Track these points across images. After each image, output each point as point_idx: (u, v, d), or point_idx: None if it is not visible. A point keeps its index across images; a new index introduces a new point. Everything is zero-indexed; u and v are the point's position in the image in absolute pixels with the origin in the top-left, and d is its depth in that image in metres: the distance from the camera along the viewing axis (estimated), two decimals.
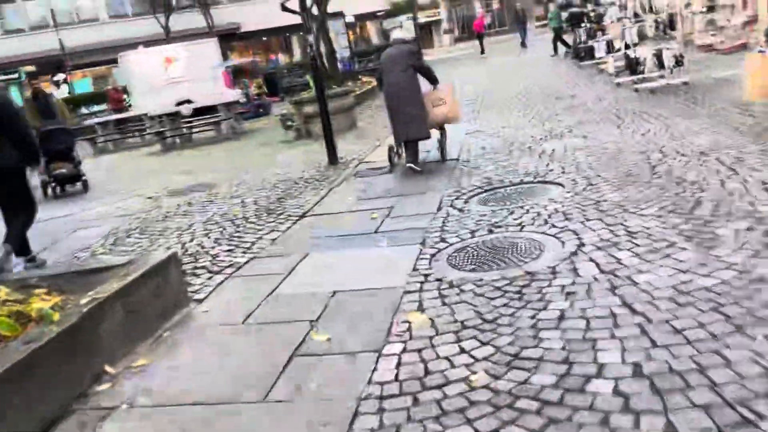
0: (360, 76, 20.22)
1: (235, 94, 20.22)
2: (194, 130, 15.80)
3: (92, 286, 3.51)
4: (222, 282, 4.43)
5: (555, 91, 12.59)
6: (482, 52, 27.83)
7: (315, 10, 18.82)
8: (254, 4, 39.39)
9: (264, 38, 41.16)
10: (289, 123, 14.06)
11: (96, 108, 29.03)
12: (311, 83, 15.34)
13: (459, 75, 19.85)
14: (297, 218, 6.05)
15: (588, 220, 4.48)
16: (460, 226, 4.97)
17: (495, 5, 51.98)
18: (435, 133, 7.77)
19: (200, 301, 4.07)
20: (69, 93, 33.74)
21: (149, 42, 29.91)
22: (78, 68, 35.65)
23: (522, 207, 5.20)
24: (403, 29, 9.18)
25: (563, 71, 16.34)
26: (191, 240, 5.73)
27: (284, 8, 16.46)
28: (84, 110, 28.83)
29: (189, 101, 24.10)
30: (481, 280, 3.74)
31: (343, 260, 4.60)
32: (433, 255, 4.38)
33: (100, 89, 32.61)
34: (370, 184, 7.14)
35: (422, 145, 7.70)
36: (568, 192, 5.38)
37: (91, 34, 34.80)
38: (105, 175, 11.61)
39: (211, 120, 15.44)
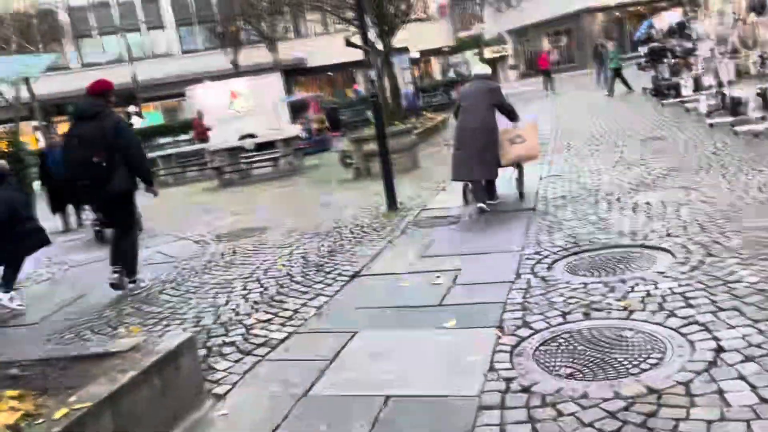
0: (424, 112, 19.54)
1: (296, 129, 19.90)
2: (253, 165, 15.39)
3: (84, 379, 2.77)
4: (251, 368, 3.61)
5: (638, 132, 11.46)
6: (547, 88, 26.74)
7: (380, 46, 18.37)
8: (320, 39, 39.79)
9: (329, 73, 41.40)
10: (349, 161, 13.42)
11: (162, 140, 29.29)
12: (371, 118, 14.71)
13: (528, 112, 18.88)
14: (348, 278, 5.22)
15: (721, 309, 3.44)
16: (546, 303, 4.01)
17: (563, 41, 50.83)
18: (505, 171, 7.46)
19: (220, 396, 3.26)
20: (138, 125, 34.61)
21: (218, 76, 30.40)
22: (150, 101, 36.62)
23: (624, 281, 4.19)
24: (482, 65, 8.33)
25: (643, 110, 15.12)
26: (226, 302, 4.98)
27: (348, 43, 16.03)
28: (160, 140, 28.98)
29: (252, 135, 24.14)
30: (584, 396, 2.77)
31: (400, 345, 3.71)
32: (514, 346, 3.43)
33: (173, 121, 33.19)
34: (434, 238, 6.26)
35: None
36: (682, 264, 4.33)
37: (164, 68, 35.78)
38: (158, 213, 11.19)
39: (270, 156, 14.98)
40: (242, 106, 23.95)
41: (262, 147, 17.04)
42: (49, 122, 36.86)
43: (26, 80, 31.15)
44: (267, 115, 22.63)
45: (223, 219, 9.35)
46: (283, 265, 5.84)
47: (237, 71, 33.91)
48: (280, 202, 10.43)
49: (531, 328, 3.66)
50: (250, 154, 16.08)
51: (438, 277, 4.88)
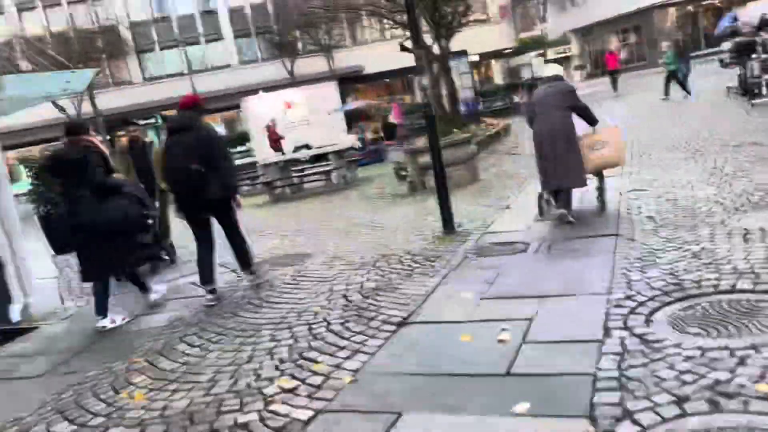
0: (484, 119, 18.50)
1: (351, 140, 19.23)
2: (304, 180, 14.76)
3: None
4: None
5: (728, 137, 10.09)
6: (616, 89, 25.13)
7: (436, 49, 17.46)
8: (376, 46, 39.21)
9: (386, 80, 40.77)
10: (403, 173, 12.57)
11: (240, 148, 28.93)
12: None
13: (598, 116, 17.57)
14: (393, 328, 4.33)
15: None
16: (651, 380, 3.01)
17: (632, 38, 48.43)
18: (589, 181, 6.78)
19: None
20: None
21: (275, 86, 30.22)
22: (209, 112, 36.93)
23: (756, 347, 3.14)
24: (554, 66, 7.45)
25: (728, 111, 13.60)
26: (249, 359, 4.18)
27: (403, 48, 15.21)
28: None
29: (308, 146, 23.65)
30: None
31: None
32: None
33: (232, 133, 33.16)
34: (498, 271, 5.30)
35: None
36: None
37: (223, 80, 36.04)
38: None
39: (322, 169, 14.29)
40: (297, 116, 23.53)
41: (317, 159, 16.45)
42: (114, 137, 37.81)
43: (90, 95, 32.06)
44: (322, 125, 22.10)
45: (266, 241, 8.64)
46: (321, 308, 5.01)
47: (293, 81, 33.73)
48: (328, 220, 9.65)
49: (636, 423, 2.68)
50: (302, 167, 15.48)
51: (504, 330, 3.93)
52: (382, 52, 38.05)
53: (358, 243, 7.35)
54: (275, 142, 20.20)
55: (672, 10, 42.97)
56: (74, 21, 32.70)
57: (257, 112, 23.48)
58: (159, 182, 6.90)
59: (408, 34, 17.38)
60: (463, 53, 19.76)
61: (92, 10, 33.34)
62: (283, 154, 18.33)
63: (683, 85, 18.28)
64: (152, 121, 38.09)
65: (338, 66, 36.52)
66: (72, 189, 5.43)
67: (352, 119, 23.89)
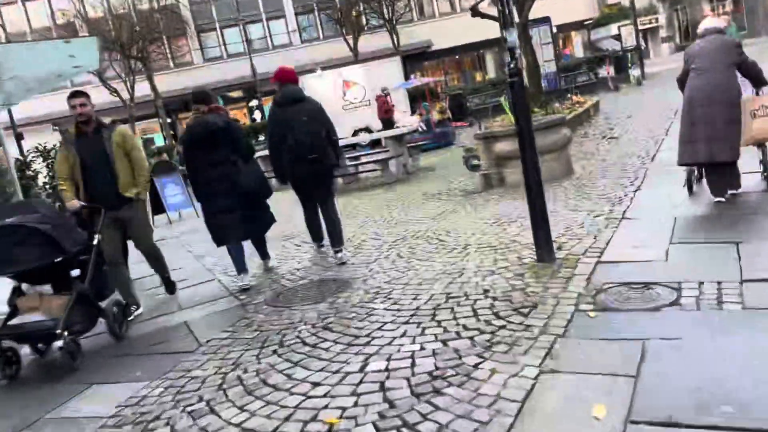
0: (569, 96, 15.94)
1: (413, 121, 17.10)
2: (359, 169, 12.78)
3: None
4: None
5: None
6: None
7: (515, 16, 14.99)
8: (446, 20, 36.62)
9: (456, 56, 38.20)
10: (474, 162, 10.37)
11: None
12: (506, 107, 11.50)
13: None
14: None
15: None
16: None
17: (728, 6, 43.63)
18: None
19: None
20: (259, 119, 33.56)
21: (338, 65, 28.35)
22: (270, 94, 35.53)
23: None
24: (714, 17, 5.54)
25: None
26: None
27: (475, 12, 12.92)
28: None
29: (368, 130, 21.67)
30: None
31: None
32: None
33: None
34: (643, 347, 3.12)
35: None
36: None
37: (284, 59, 34.45)
38: None
39: (378, 157, 12.25)
40: (356, 96, 21.59)
41: (377, 144, 14.47)
42: (175, 119, 37.03)
43: (149, 76, 31.15)
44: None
45: (297, 256, 6.73)
46: (338, 419, 2.98)
47: (356, 59, 31.74)
48: (377, 227, 7.62)
49: None
50: (357, 153, 13.49)
51: None
52: (451, 26, 35.50)
53: (411, 269, 5.29)
54: (386, 113, 18.26)
55: None
56: (134, 1, 31.76)
57: (315, 91, 21.70)
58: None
59: None
60: (545, 21, 17.17)
61: None
62: (426, 116, 16.45)
63: None
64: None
65: (404, 42, 34.21)
66: (214, 156, 5.43)
67: (416, 99, 21.77)
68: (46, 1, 34.26)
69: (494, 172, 8.85)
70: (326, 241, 6.45)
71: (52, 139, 16.39)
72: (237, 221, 5.61)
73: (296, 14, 36.72)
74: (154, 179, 12.56)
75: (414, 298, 4.47)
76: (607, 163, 8.92)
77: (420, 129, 16.05)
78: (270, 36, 36.95)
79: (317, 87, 21.82)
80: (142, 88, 30.71)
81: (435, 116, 18.22)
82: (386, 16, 32.37)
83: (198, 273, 6.84)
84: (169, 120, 35.49)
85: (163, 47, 35.28)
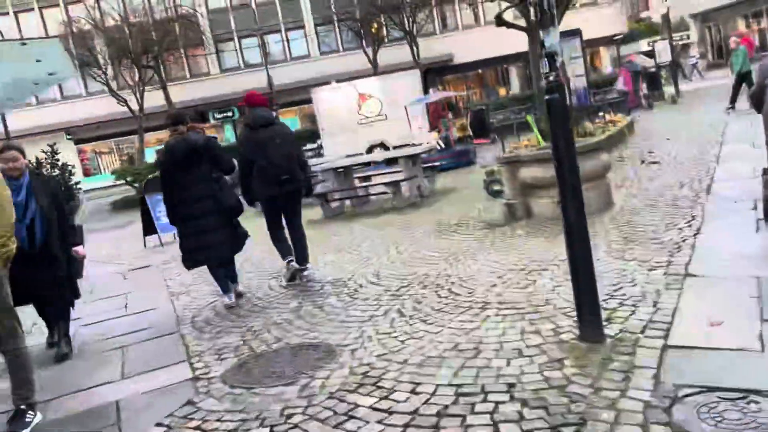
0: (602, 113, 14.65)
1: (431, 138, 15.97)
2: (370, 191, 11.64)
3: None
4: None
5: None
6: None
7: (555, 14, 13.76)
8: (468, 33, 35.54)
9: (479, 70, 37.04)
10: (496, 188, 9.20)
11: (309, 146, 25.59)
12: (533, 126, 10.29)
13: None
14: None
15: None
16: None
17: (764, 23, 41.90)
18: None
19: None
20: None
21: (356, 77, 27.33)
22: (287, 106, 34.64)
23: None
24: None
25: None
26: None
27: (501, 22, 11.78)
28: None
29: (384, 146, 20.57)
30: None
31: None
32: None
33: (313, 127, 30.20)
34: None
35: None
36: None
37: (302, 71, 33.62)
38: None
39: (388, 179, 11.09)
40: (372, 110, 20.50)
41: (393, 162, 13.31)
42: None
43: (163, 88, 30.40)
44: (401, 120, 18.96)
45: (279, 303, 5.58)
46: None
47: (375, 71, 30.74)
48: (379, 267, 6.45)
49: None
50: (369, 173, 12.36)
51: None
52: (474, 39, 34.39)
53: (413, 337, 4.10)
54: (438, 119, 17.12)
55: None
56: (152, 9, 31.07)
57: (329, 103, 20.68)
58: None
59: (504, 4, 13.87)
60: (576, 33, 15.94)
61: None
62: (445, 133, 15.38)
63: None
64: (229, 114, 36.41)
65: (425, 55, 33.14)
66: (197, 173, 5.44)
67: (436, 114, 20.65)
68: (63, 9, 33.87)
69: (519, 201, 7.63)
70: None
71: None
72: (221, 241, 5.63)
73: (316, 25, 35.89)
74: (146, 197, 11.55)
75: (412, 391, 3.28)
76: (651, 194, 7.65)
77: (438, 146, 14.91)
78: (288, 47, 36.15)
79: (329, 99, 20.80)
80: (157, 99, 29.99)
81: (455, 133, 17.05)
82: (407, 28, 31.33)
83: (163, 321, 5.72)
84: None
85: (180, 57, 34.67)
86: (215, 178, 5.57)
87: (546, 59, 3.52)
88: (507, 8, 12.52)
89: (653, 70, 22.30)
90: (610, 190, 7.48)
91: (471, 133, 17.82)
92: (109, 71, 29.26)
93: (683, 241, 5.35)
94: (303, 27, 35.87)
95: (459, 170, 14.35)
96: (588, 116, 14.24)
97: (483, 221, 7.86)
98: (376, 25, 32.68)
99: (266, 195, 5.99)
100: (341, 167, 11.53)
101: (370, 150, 20.53)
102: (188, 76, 35.49)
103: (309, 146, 23.64)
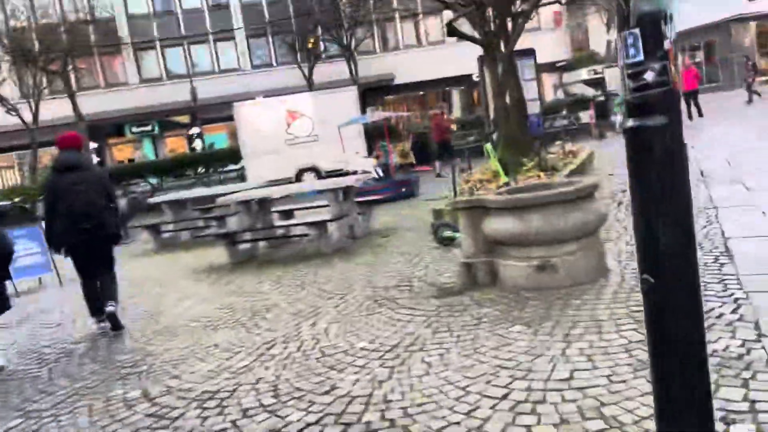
0: (559, 142, 13.05)
1: (368, 164, 13.99)
2: (292, 231, 9.47)
3: None
4: None
5: None
6: (691, 117, 19.27)
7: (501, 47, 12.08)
8: (411, 52, 34.04)
9: (420, 92, 35.51)
10: (447, 235, 7.26)
11: (231, 167, 22.90)
12: (492, 156, 8.46)
13: (719, 137, 12.13)
14: None
15: None
16: None
17: (700, 56, 42.28)
18: None
19: None
20: (200, 149, 29.93)
21: (290, 94, 25.13)
22: (214, 121, 31.98)
23: None
24: None
25: None
26: None
27: (452, 31, 9.97)
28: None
29: (315, 170, 18.48)
30: None
31: None
32: None
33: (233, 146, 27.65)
34: None
35: None
36: None
37: (231, 85, 31.11)
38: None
39: (313, 218, 8.96)
40: (303, 130, 18.37)
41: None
42: (104, 144, 32.98)
43: (71, 96, 27.24)
44: (334, 142, 16.92)
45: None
46: None
47: (311, 88, 28.64)
48: (274, 378, 4.30)
49: None
50: (288, 208, 10.17)
51: None
52: (416, 59, 32.94)
53: None
54: (443, 132, 15.04)
55: (753, 25, 37.23)
56: (63, 9, 27.82)
57: (253, 120, 18.41)
58: None
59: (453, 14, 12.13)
60: (530, 53, 14.39)
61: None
62: (450, 151, 13.32)
63: None
64: (148, 128, 33.37)
65: (365, 74, 31.35)
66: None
67: (371, 137, 18.76)
68: None
69: (482, 261, 5.64)
70: None
71: None
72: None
73: (247, 37, 33.54)
74: None
75: None
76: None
77: (376, 175, 12.91)
78: (217, 58, 33.61)
79: (253, 116, 18.54)
80: (62, 109, 26.85)
81: (395, 160, 15.13)
82: (345, 43, 29.42)
83: None
84: (95, 145, 31.51)
85: (94, 64, 31.57)
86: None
87: (638, 33, 1.48)
88: (458, 17, 10.78)
89: (602, 98, 21.16)
90: (603, 251, 5.59)
91: (413, 160, 15.93)
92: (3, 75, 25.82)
93: (731, 338, 3.45)
94: (233, 38, 33.46)
95: (399, 203, 12.37)
96: (544, 146, 12.56)
97: (433, 285, 5.84)
98: (312, 40, 30.64)
99: (66, 242, 5.78)
100: (255, 199, 9.30)
101: (299, 175, 18.35)
102: (102, 84, 32.32)
103: (232, 167, 21.24)
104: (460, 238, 6.08)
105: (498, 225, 5.40)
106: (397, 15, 33.67)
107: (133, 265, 9.86)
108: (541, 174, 8.88)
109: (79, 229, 5.62)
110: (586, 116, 20.37)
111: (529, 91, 14.39)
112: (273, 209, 9.66)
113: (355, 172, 14.16)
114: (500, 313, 4.72)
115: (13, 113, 24.79)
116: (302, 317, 5.43)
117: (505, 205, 5.31)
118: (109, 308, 5.73)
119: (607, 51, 33.49)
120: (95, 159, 30.01)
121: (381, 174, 13.00)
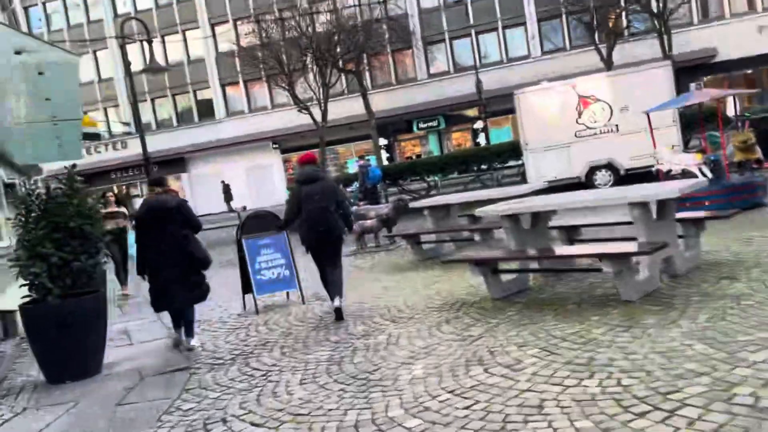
0: None
1: (691, 160, 10.50)
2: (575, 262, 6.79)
3: None
4: None
5: None
6: None
7: None
8: (735, 23, 27.75)
9: (748, 70, 28.76)
10: None
11: (512, 163, 20.55)
12: None
13: None
14: None
15: None
16: None
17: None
18: None
19: None
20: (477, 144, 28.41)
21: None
22: (499, 114, 30.12)
23: None
24: None
25: None
26: None
27: None
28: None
29: (611, 167, 15.25)
30: None
31: None
32: None
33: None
34: None
35: None
36: None
37: (520, 73, 28.85)
38: None
39: (602, 247, 6.15)
40: (597, 119, 15.20)
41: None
42: (393, 141, 33.55)
43: (363, 95, 27.81)
44: (638, 134, 13.50)
45: None
46: None
47: (610, 70, 24.75)
48: None
49: None
50: (562, 225, 7.48)
51: None
52: (745, 30, 26.71)
53: None
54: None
55: None
56: (339, 13, 28.29)
57: (537, 110, 15.79)
58: None
59: None
60: None
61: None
62: (715, 155, 10.32)
63: None
64: (434, 124, 32.94)
65: (677, 51, 26.17)
66: (167, 230, 6.28)
67: (691, 127, 14.69)
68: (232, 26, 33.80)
69: None
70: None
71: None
72: (181, 290, 6.30)
73: (539, 20, 30.87)
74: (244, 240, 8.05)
75: None
76: None
77: (701, 177, 9.37)
78: (505, 46, 31.67)
79: (534, 105, 15.91)
80: (354, 108, 27.71)
81: (733, 155, 11.20)
82: (657, 11, 24.50)
83: None
84: (385, 142, 32.17)
85: (386, 61, 32.30)
86: (184, 234, 6.38)
87: None
88: None
89: None
90: None
91: (760, 155, 11.62)
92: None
93: None
94: (524, 23, 31.11)
95: (739, 219, 8.53)
96: None
97: None
98: (613, 16, 26.53)
99: (306, 241, 6.76)
100: (527, 213, 6.81)
101: (590, 174, 15.26)
102: (393, 81, 32.88)
103: (512, 163, 18.98)
104: None
105: None
106: None
107: (371, 283, 8.26)
108: None
109: (316, 231, 6.62)
110: None
111: None
112: (550, 224, 7.10)
113: (669, 173, 10.70)
114: None
115: (305, 112, 26.16)
116: None
117: None
118: (336, 303, 6.56)
119: None
120: (384, 156, 30.58)
121: (710, 175, 9.41)
